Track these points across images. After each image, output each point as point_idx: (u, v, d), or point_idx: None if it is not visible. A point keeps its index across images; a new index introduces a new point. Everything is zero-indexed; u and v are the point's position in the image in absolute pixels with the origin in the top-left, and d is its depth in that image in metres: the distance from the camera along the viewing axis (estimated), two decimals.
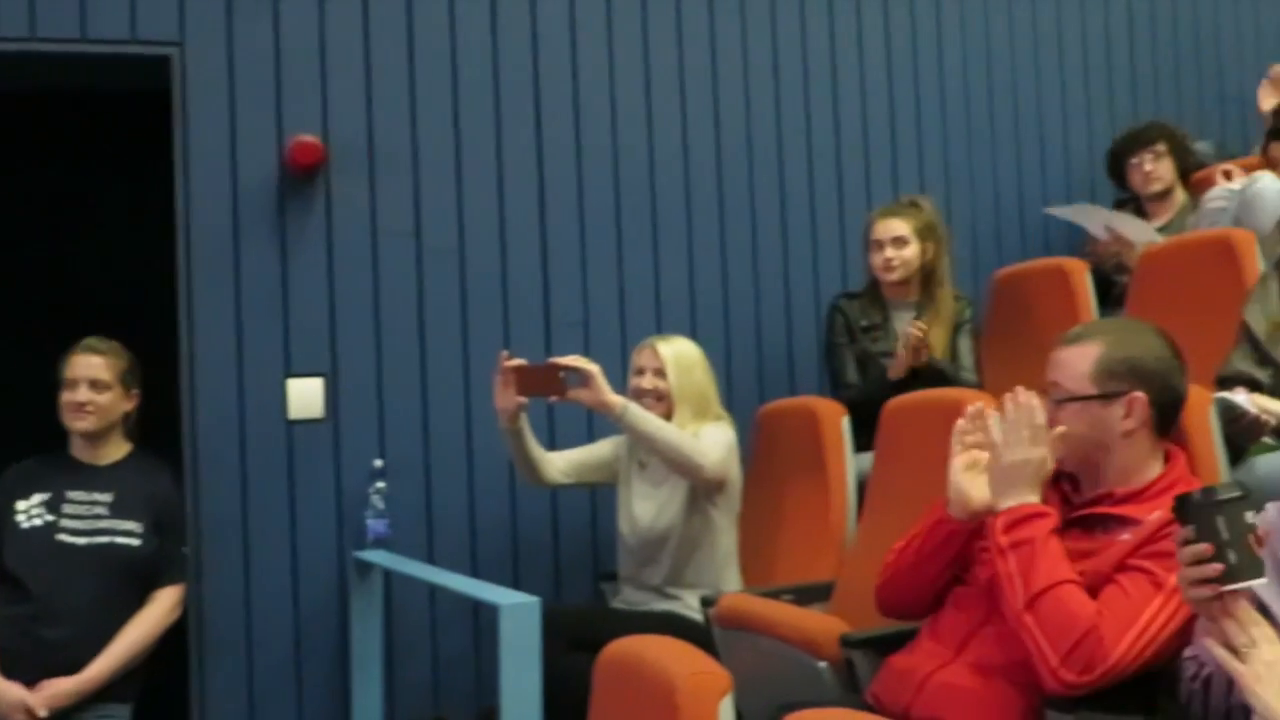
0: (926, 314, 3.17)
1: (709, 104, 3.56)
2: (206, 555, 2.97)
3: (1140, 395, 1.75)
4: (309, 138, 3.10)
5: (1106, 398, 1.75)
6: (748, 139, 3.60)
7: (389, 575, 3.03)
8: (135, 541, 2.77)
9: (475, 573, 3.08)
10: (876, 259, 3.21)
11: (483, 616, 3.12)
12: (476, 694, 3.11)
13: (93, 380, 2.81)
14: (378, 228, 3.20)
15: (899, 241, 3.18)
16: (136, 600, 2.78)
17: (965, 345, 3.18)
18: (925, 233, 3.19)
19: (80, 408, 2.80)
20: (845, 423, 2.95)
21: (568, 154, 3.40)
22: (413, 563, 2.93)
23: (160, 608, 2.79)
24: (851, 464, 2.89)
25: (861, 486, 2.80)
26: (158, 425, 3.01)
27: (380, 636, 3.01)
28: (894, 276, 3.19)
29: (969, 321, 3.22)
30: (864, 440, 2.89)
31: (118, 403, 2.86)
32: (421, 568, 2.88)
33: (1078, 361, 1.78)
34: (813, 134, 3.67)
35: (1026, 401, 1.75)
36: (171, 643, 2.86)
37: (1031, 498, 1.72)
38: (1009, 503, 1.73)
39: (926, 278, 3.21)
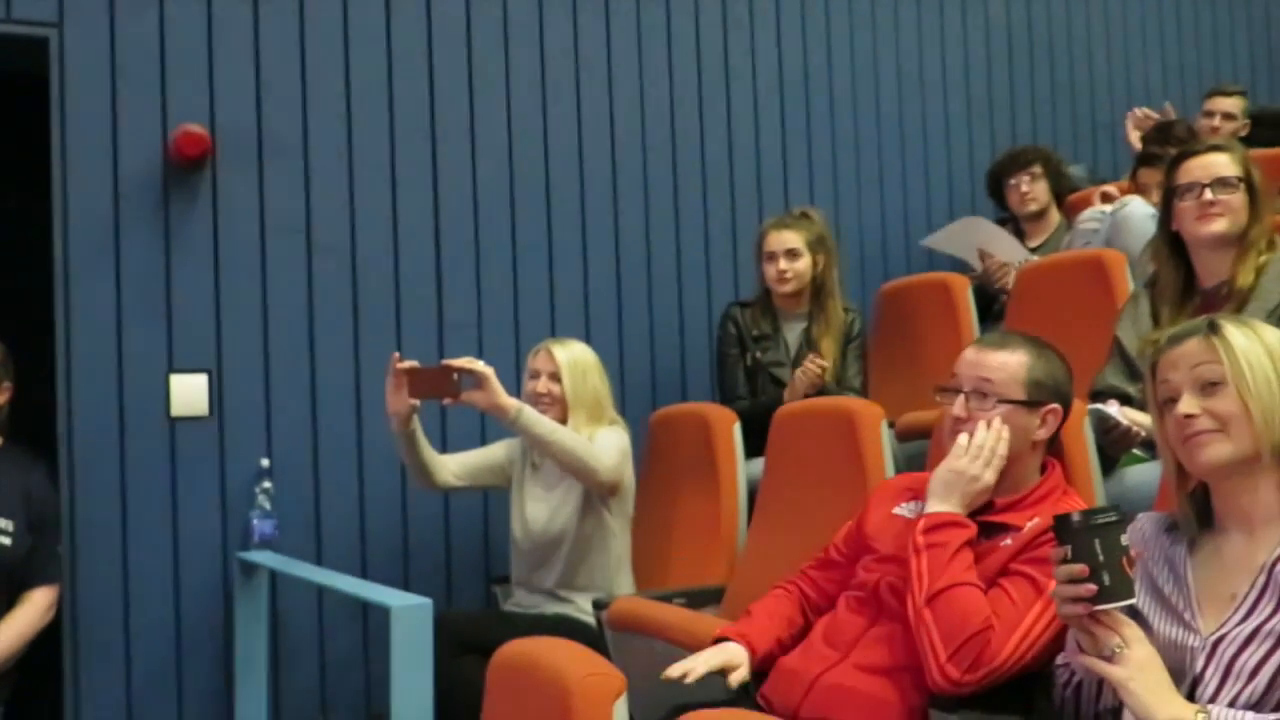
0: (817, 325, 3.26)
1: (605, 108, 3.60)
2: (82, 555, 2.88)
3: (1057, 407, 1.86)
4: (195, 127, 3.03)
5: (1033, 406, 1.85)
6: (643, 145, 3.65)
7: (275, 576, 2.98)
8: (6, 540, 2.67)
9: (365, 575, 3.07)
10: (770, 270, 3.28)
11: (372, 619, 3.10)
12: (366, 698, 3.10)
13: None
14: (266, 223, 3.15)
15: (792, 254, 3.25)
16: (6, 602, 2.68)
17: (853, 356, 3.28)
18: (817, 245, 3.27)
19: None
20: (736, 429, 3.01)
21: (463, 152, 3.40)
22: (300, 564, 2.89)
23: (33, 609, 2.70)
24: (743, 470, 2.96)
25: (752, 492, 2.87)
26: (31, 419, 2.91)
27: (265, 640, 2.97)
28: (787, 289, 3.27)
29: (859, 336, 3.30)
30: (754, 446, 2.96)
31: None
32: (309, 569, 2.85)
33: (1012, 366, 1.86)
34: (706, 143, 3.75)
35: (998, 430, 1.82)
36: (44, 645, 2.77)
37: (958, 509, 1.80)
38: (937, 508, 1.80)
39: (817, 290, 3.29)
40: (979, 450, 1.82)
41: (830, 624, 1.92)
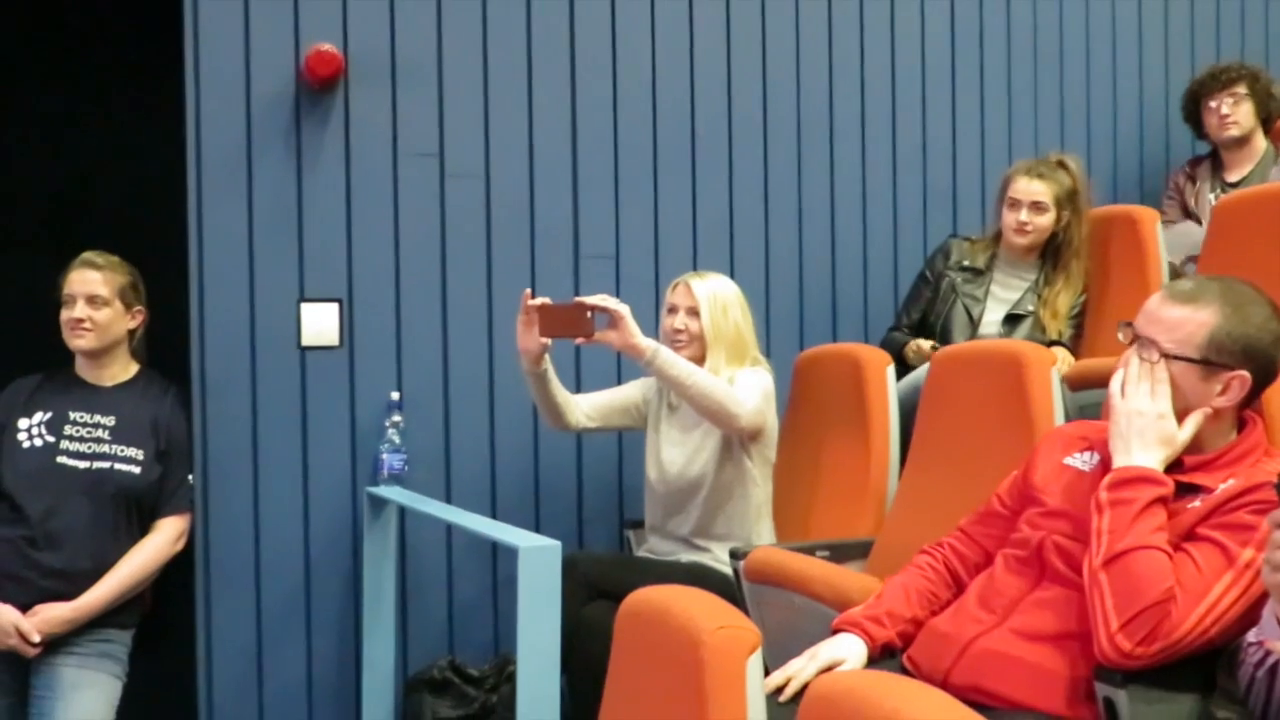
0: (1052, 284, 3.19)
1: (756, 26, 3.50)
2: (213, 485, 2.99)
3: (1244, 374, 1.72)
4: (327, 47, 3.06)
5: (1210, 368, 1.72)
6: (796, 67, 3.55)
7: (404, 512, 3.05)
8: (135, 469, 2.79)
9: (494, 515, 3.11)
10: (1010, 218, 3.21)
11: (501, 560, 3.15)
12: (494, 639, 3.15)
13: (90, 296, 2.82)
14: (398, 147, 3.17)
15: (1037, 207, 3.18)
16: (138, 529, 2.81)
17: (1078, 320, 3.18)
18: (1065, 200, 3.19)
19: (77, 324, 2.81)
20: (890, 373, 2.93)
21: (603, 73, 3.35)
22: (429, 500, 2.94)
23: (162, 537, 2.82)
24: (895, 417, 2.88)
25: (904, 425, 2.80)
26: (170, 346, 3.02)
27: (394, 576, 3.05)
28: (1024, 241, 3.21)
29: (1083, 296, 3.21)
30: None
31: (118, 320, 2.87)
32: (438, 506, 2.89)
33: (1190, 325, 1.73)
34: (866, 66, 3.62)
35: (1148, 358, 1.72)
36: (178, 573, 2.89)
37: (1148, 459, 1.69)
38: (1130, 460, 1.70)
39: (1056, 246, 3.22)
40: (1128, 384, 1.71)
41: (986, 584, 1.84)
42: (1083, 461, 1.84)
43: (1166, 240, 3.24)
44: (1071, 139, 3.78)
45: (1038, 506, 1.84)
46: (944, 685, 1.72)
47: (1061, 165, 3.25)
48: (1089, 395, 2.63)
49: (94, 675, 2.71)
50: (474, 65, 3.24)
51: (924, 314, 3.29)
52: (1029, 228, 3.18)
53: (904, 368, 3.10)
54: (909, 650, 1.87)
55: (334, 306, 3.11)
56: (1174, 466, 1.73)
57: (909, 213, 3.61)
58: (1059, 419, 2.36)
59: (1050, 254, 3.24)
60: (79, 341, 2.83)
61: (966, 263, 3.27)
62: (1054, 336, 3.11)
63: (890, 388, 2.93)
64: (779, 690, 1.79)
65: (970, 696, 1.65)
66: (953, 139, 3.66)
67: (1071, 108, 3.84)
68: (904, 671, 1.82)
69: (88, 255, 2.88)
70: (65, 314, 2.83)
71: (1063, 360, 2.84)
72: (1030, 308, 3.19)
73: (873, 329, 3.48)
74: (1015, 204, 3.19)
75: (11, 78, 4.16)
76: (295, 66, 3.08)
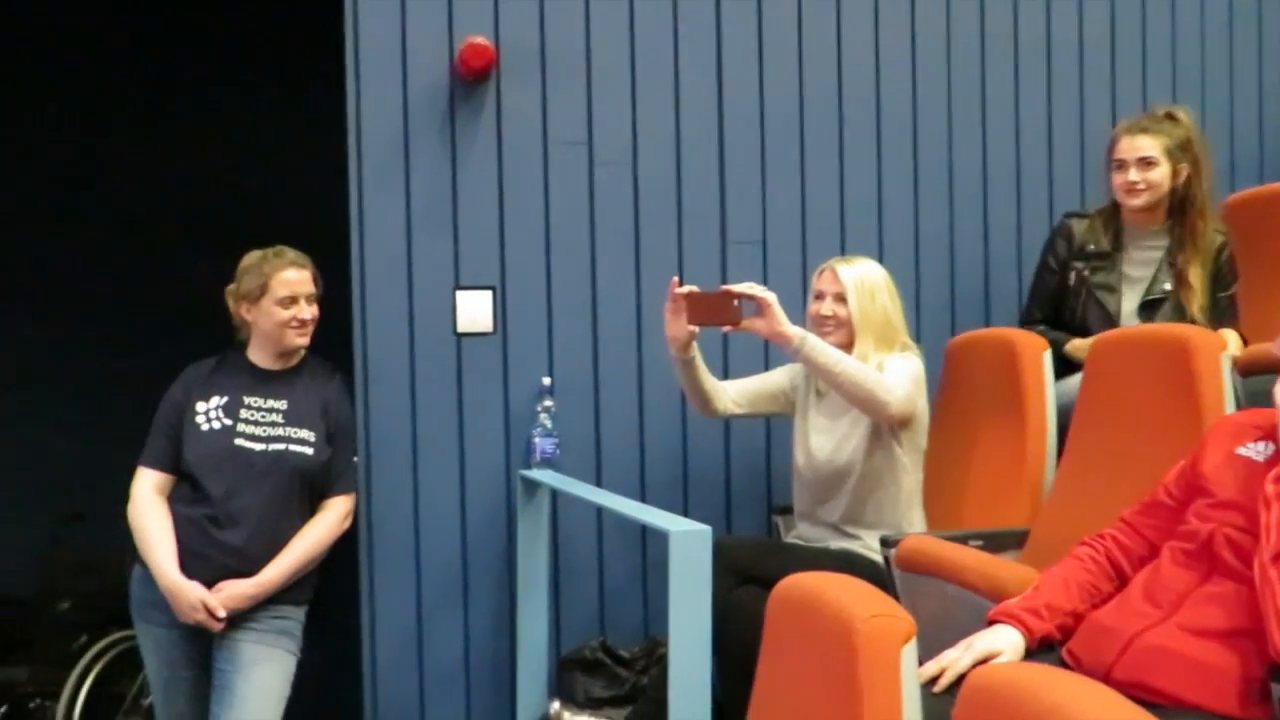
0: (1184, 250, 3.00)
1: (905, 4, 3.44)
2: (375, 467, 3.10)
3: None
4: (480, 40, 3.12)
5: None
6: (947, 44, 3.47)
7: (555, 495, 3.11)
8: (308, 450, 2.90)
9: (643, 500, 3.14)
10: (1118, 179, 3.04)
11: (651, 544, 3.19)
12: (644, 623, 3.20)
13: (309, 295, 2.92)
14: (548, 136, 3.23)
15: (1146, 163, 3.00)
16: (308, 508, 2.92)
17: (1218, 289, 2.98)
18: (1179, 151, 2.99)
19: (304, 324, 2.91)
20: (1047, 359, 2.85)
21: (749, 60, 3.34)
22: (580, 484, 2.99)
23: (333, 515, 2.93)
24: (1053, 404, 2.80)
25: (1062, 425, 2.72)
26: (327, 332, 3.13)
27: (546, 557, 3.11)
28: (1138, 202, 3.02)
29: (1226, 264, 3.00)
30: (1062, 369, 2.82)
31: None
32: (589, 490, 2.93)
33: None
34: (1020, 43, 3.52)
35: None
36: (340, 553, 3.01)
37: None
38: None
39: (1178, 204, 3.02)
40: None
41: (1152, 578, 1.78)
42: (1256, 451, 1.77)
43: None
44: (1242, 121, 3.61)
45: (1207, 498, 1.77)
46: (1106, 681, 1.68)
47: (1170, 117, 3.04)
48: (1260, 381, 2.51)
49: (271, 651, 2.83)
50: (621, 54, 3.27)
51: (1056, 307, 3.12)
52: (1140, 185, 2.98)
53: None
54: (1069, 644, 1.83)
55: (488, 294, 3.18)
56: None
57: (1065, 192, 3.50)
58: (1229, 407, 2.26)
59: (1175, 214, 3.03)
60: (301, 340, 2.91)
61: (1091, 247, 3.08)
62: (1194, 314, 2.92)
63: (1047, 374, 2.85)
64: (932, 681, 1.77)
65: (1134, 693, 1.60)
66: (1111, 116, 3.53)
67: (1242, 84, 3.66)
68: (1063, 666, 1.78)
69: (291, 255, 2.92)
70: (288, 313, 2.88)
71: (1233, 344, 2.71)
72: (1167, 286, 3.00)
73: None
74: (1121, 164, 3.01)
75: (181, 77, 4.38)
76: (450, 60, 3.16)
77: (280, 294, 2.89)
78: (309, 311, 2.91)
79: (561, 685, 3.09)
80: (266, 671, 2.80)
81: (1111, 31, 3.57)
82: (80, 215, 4.47)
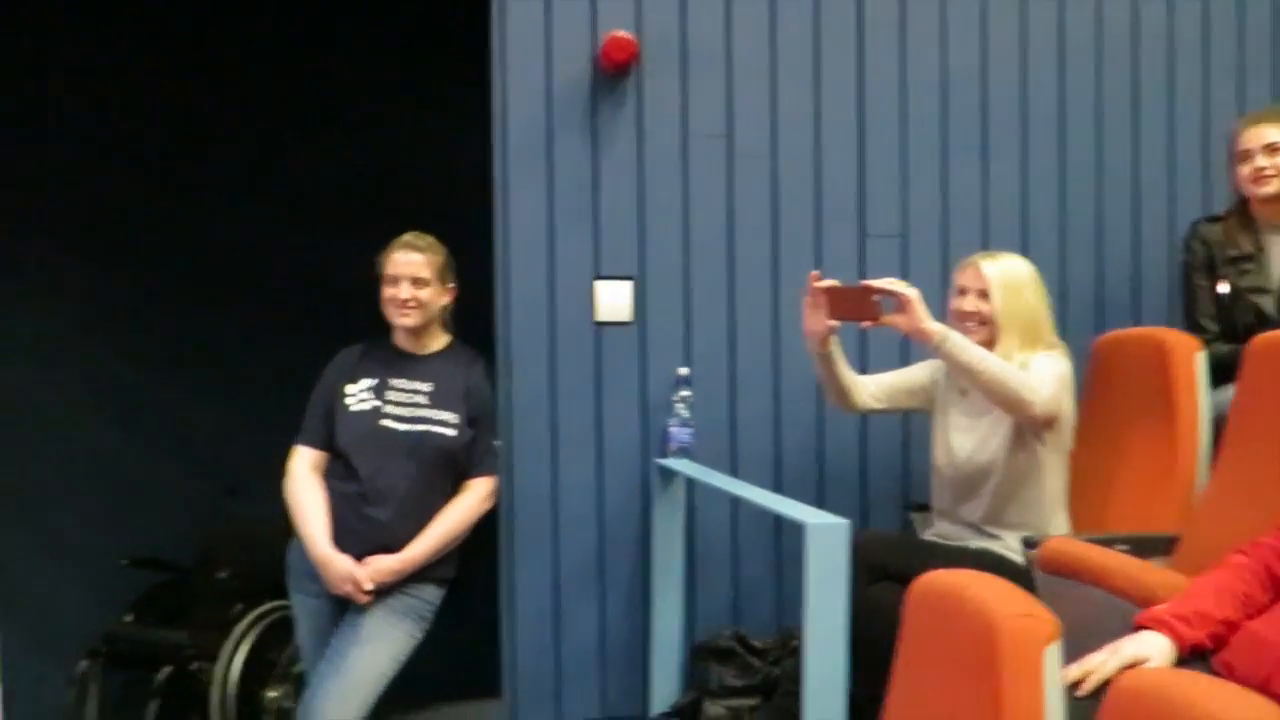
0: None
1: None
2: (517, 451, 3.16)
3: None
4: (622, 33, 3.15)
5: None
6: (1097, 32, 3.37)
7: (691, 485, 3.13)
8: (451, 432, 2.99)
9: (779, 492, 3.13)
10: (1245, 170, 2.95)
11: (785, 536, 3.19)
12: (777, 615, 3.20)
13: (414, 278, 3.03)
14: (689, 128, 3.24)
15: (1272, 149, 2.90)
16: (450, 488, 3.02)
17: None
18: None
19: (403, 304, 3.03)
20: (1200, 359, 2.76)
21: (890, 51, 3.31)
22: (715, 474, 3.00)
23: (474, 496, 3.02)
24: (1206, 406, 2.71)
25: (1216, 426, 2.62)
26: (469, 316, 3.21)
27: (681, 547, 3.14)
28: (1267, 190, 2.92)
29: None
30: (1218, 376, 2.70)
31: (436, 297, 3.08)
32: (725, 480, 2.94)
33: None
34: (1176, 25, 3.39)
35: None
36: (478, 536, 3.09)
37: None
38: None
39: None
40: None
41: None
42: None
43: None
44: None
45: None
46: (1262, 693, 1.62)
47: None
48: None
49: (391, 631, 2.92)
50: (762, 45, 3.27)
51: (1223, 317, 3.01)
52: (1269, 171, 2.89)
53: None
54: (1222, 654, 1.77)
55: (627, 284, 3.21)
56: None
57: (1222, 187, 3.37)
58: None
59: None
60: (404, 320, 3.04)
61: (1232, 251, 2.97)
62: None
63: (1199, 373, 2.75)
64: (1075, 684, 1.73)
65: None
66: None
67: None
68: (1215, 675, 1.73)
69: (408, 238, 3.08)
70: (390, 292, 3.05)
71: None
72: None
73: (1178, 311, 3.27)
74: (1245, 155, 2.92)
75: (341, 75, 4.54)
76: (592, 53, 3.20)
77: (388, 273, 3.04)
78: (409, 292, 3.01)
79: (694, 672, 3.11)
80: (377, 650, 2.89)
81: (1274, 22, 3.42)
82: (242, 203, 4.68)
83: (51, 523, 4.24)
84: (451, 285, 3.13)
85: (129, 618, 4.18)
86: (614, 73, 3.20)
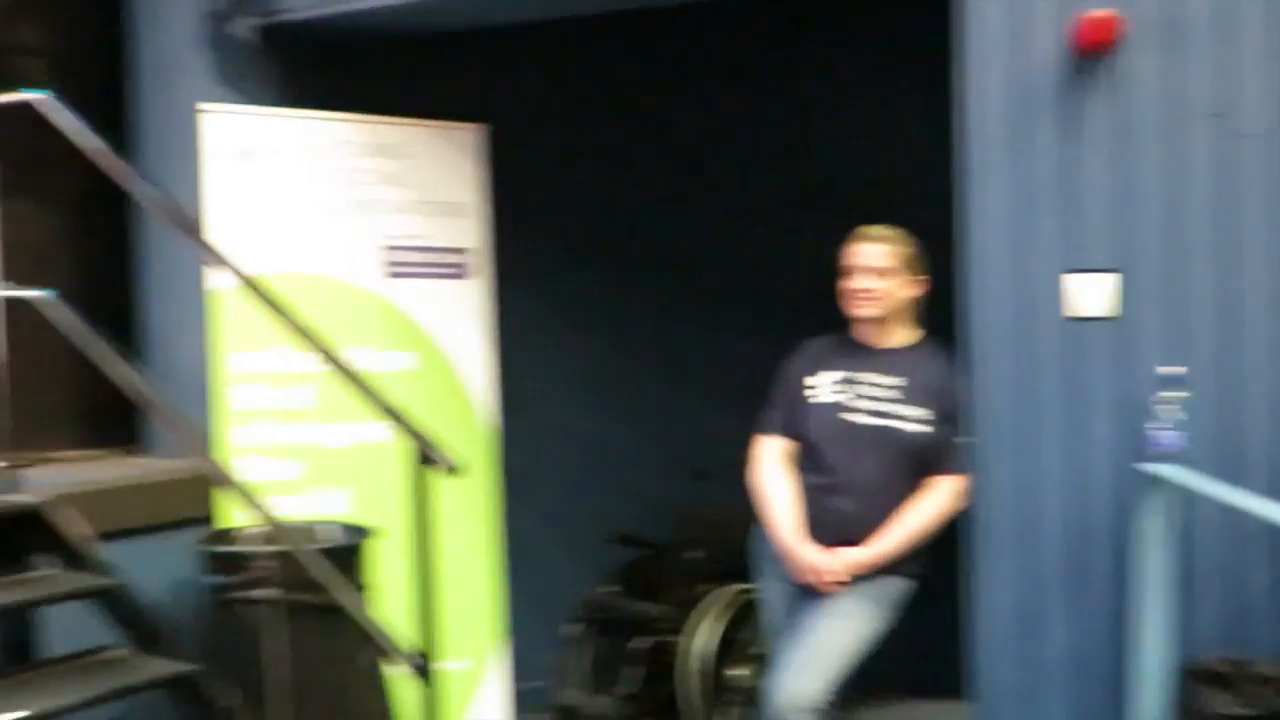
0: None
1: None
2: (988, 450, 3.06)
3: None
4: (1102, 13, 2.97)
5: None
6: None
7: (1182, 494, 2.89)
8: (918, 428, 2.97)
9: None
10: None
11: None
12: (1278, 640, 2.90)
13: (869, 268, 3.04)
14: (1178, 109, 3.00)
15: None
16: (915, 483, 3.00)
17: None
18: None
19: (855, 294, 3.05)
20: None
21: None
22: (1212, 482, 2.77)
23: (942, 493, 2.98)
24: None
25: None
26: (943, 312, 3.18)
27: (1169, 558, 2.91)
28: None
29: None
30: None
31: (902, 289, 3.07)
32: (1222, 489, 2.71)
33: None
34: None
35: None
36: (950, 535, 3.04)
37: None
38: None
39: None
40: None
41: None
42: None
43: None
44: None
45: None
46: None
47: None
48: None
49: (861, 611, 2.94)
50: (1265, 13, 2.95)
51: None
52: None
53: None
54: None
55: (1103, 276, 3.03)
56: None
57: None
58: None
59: None
60: (858, 310, 3.08)
61: None
62: None
63: None
64: None
65: None
66: None
67: None
68: None
69: (868, 229, 3.11)
70: (845, 284, 3.09)
71: None
72: None
73: None
74: None
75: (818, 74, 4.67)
76: (1064, 35, 3.04)
77: (844, 265, 3.06)
78: (861, 282, 2.99)
79: (1184, 697, 2.88)
80: (845, 627, 2.91)
81: None
82: (706, 201, 4.94)
83: (549, 502, 4.67)
84: (923, 278, 3.10)
85: (612, 589, 4.51)
86: (1091, 54, 3.02)
